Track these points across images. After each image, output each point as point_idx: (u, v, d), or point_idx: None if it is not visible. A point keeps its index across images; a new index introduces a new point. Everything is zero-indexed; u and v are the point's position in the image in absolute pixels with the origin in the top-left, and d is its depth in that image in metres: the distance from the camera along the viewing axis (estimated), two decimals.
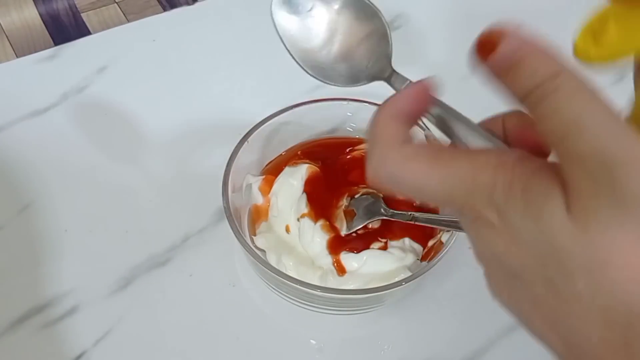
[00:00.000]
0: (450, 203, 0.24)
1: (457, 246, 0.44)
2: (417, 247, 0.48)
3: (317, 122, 0.53)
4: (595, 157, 0.19)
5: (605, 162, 0.19)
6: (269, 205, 0.50)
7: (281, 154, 0.54)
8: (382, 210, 0.49)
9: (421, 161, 0.23)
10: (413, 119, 0.26)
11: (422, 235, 0.49)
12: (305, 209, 0.48)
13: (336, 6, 0.35)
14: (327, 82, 0.35)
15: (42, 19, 0.67)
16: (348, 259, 0.47)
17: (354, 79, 0.35)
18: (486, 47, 0.22)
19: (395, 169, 0.24)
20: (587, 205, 0.19)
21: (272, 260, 0.48)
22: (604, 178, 0.19)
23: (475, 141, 0.25)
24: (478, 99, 0.64)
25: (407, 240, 0.48)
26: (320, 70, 0.35)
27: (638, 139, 0.19)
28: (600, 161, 0.19)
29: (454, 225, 0.42)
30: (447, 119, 0.27)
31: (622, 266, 0.18)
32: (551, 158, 0.23)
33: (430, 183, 0.23)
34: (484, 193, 0.21)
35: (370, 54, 0.35)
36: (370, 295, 0.43)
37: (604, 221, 0.19)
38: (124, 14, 0.67)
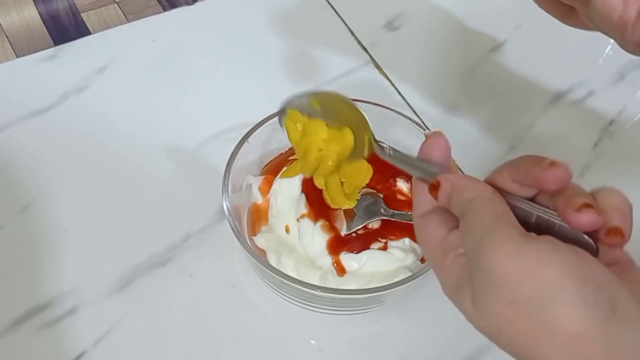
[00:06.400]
0: None
1: None
2: (417, 247, 0.48)
3: None
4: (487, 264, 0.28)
5: (487, 268, 0.28)
6: (269, 205, 0.50)
7: (281, 154, 0.54)
8: (382, 210, 0.49)
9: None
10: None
11: None
12: (305, 209, 0.48)
13: None
14: None
15: (42, 19, 0.67)
16: (348, 259, 0.47)
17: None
18: (435, 188, 0.32)
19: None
20: (481, 295, 0.28)
21: (272, 260, 0.48)
22: (489, 279, 0.28)
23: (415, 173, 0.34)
24: (477, 98, 0.64)
25: (407, 240, 0.48)
26: None
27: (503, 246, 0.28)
28: (486, 268, 0.28)
29: None
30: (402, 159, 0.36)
31: (505, 329, 0.28)
32: None
33: None
34: None
35: None
36: (370, 295, 0.43)
37: (490, 304, 0.28)
38: (123, 14, 0.67)
